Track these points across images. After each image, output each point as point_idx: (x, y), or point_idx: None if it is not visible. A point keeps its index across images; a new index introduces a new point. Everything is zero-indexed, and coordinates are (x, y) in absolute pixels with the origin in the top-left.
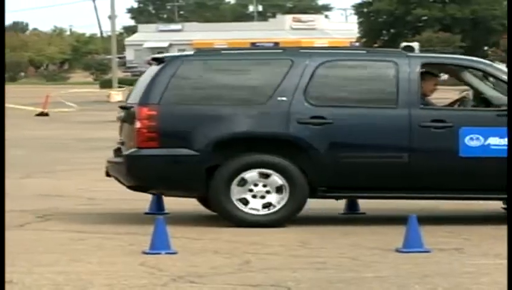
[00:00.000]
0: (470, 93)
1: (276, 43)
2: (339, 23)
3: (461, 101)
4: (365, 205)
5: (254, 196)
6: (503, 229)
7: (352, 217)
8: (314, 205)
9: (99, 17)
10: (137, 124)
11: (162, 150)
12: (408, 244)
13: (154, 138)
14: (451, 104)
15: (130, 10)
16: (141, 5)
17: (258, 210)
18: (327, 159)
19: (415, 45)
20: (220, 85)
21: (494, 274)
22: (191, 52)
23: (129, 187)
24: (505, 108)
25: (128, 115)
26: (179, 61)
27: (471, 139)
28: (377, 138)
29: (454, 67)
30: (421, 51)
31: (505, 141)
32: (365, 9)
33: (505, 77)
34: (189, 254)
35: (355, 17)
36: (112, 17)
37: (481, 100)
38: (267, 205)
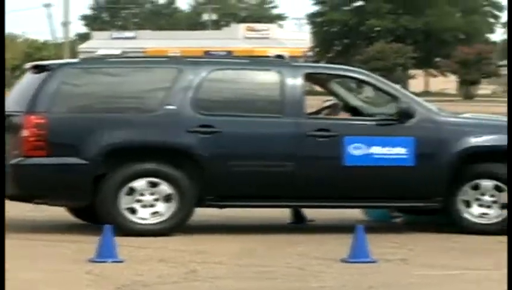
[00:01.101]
0: (338, 103)
1: (230, 52)
2: (292, 33)
3: (332, 108)
4: (313, 214)
5: (142, 205)
6: (449, 241)
7: (299, 226)
8: (260, 214)
9: (53, 24)
10: (25, 133)
11: (50, 158)
12: (354, 254)
13: (42, 147)
14: (320, 110)
15: (84, 17)
16: (95, 12)
17: (146, 219)
18: (215, 168)
19: (285, 54)
20: (108, 93)
21: (440, 285)
22: (77, 60)
23: (11, 197)
24: (384, 118)
25: (9, 124)
26: (66, 68)
27: (355, 148)
28: (264, 147)
29: (337, 77)
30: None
31: (386, 150)
32: (319, 19)
33: (385, 87)
34: (135, 262)
35: (309, 26)
36: (65, 24)
37: (351, 110)
38: (155, 214)
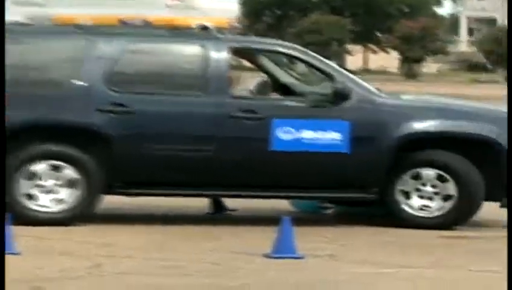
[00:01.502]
0: (267, 81)
1: (147, 21)
2: (218, 2)
3: (259, 87)
4: (235, 204)
5: (43, 191)
6: (385, 236)
7: (218, 217)
8: (177, 203)
9: None
10: None
11: None
12: (279, 249)
13: None
14: (246, 89)
15: None
16: None
17: (47, 207)
18: (126, 151)
19: (210, 25)
20: (11, 66)
21: (372, 284)
22: None
23: None
24: (317, 98)
25: None
26: None
27: (284, 132)
28: (182, 128)
29: (267, 52)
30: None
31: (318, 135)
32: None
33: (319, 64)
34: (34, 254)
35: None
36: None
37: (281, 88)
38: (58, 201)
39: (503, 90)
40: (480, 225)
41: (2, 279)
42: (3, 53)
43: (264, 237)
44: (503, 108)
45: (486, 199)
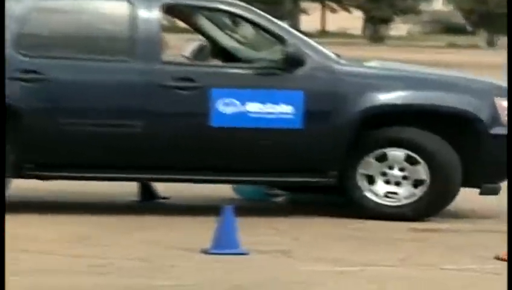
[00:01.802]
0: (206, 44)
1: None
2: None
3: (198, 51)
4: (168, 190)
5: None
6: (345, 228)
7: (149, 205)
8: (101, 188)
9: None
10: None
11: None
12: (219, 244)
13: None
14: (181, 54)
15: None
16: None
17: None
18: (38, 127)
19: None
20: None
21: (330, 285)
22: None
23: None
24: (266, 65)
25: None
26: None
27: (226, 104)
28: (104, 100)
29: (206, 10)
30: None
31: (266, 108)
32: None
33: (268, 25)
34: None
35: None
36: None
37: (222, 53)
38: None
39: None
40: (456, 216)
41: (2, 279)
42: (3, 49)
43: (203, 230)
44: (486, 77)
45: (464, 185)
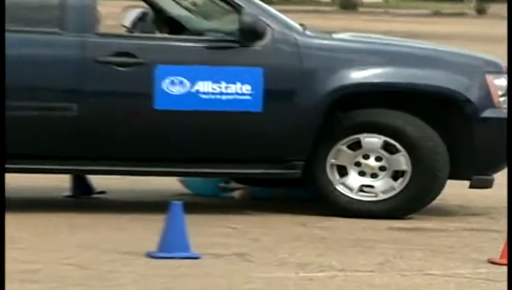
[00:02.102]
0: (150, 13)
1: None
2: None
3: (140, 21)
4: (105, 183)
5: None
6: (314, 228)
7: (84, 201)
8: (31, 182)
9: None
10: None
11: None
12: (166, 246)
13: None
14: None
15: None
16: None
17: None
18: None
19: None
20: None
21: None
22: None
23: None
24: (219, 38)
25: None
26: None
27: (172, 83)
28: (31, 77)
29: None
30: None
31: (219, 87)
32: None
33: None
34: None
35: None
36: None
37: (169, 24)
38: None
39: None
40: (443, 213)
41: (2, 279)
42: (3, 52)
43: (147, 230)
44: (477, 52)
45: (452, 177)
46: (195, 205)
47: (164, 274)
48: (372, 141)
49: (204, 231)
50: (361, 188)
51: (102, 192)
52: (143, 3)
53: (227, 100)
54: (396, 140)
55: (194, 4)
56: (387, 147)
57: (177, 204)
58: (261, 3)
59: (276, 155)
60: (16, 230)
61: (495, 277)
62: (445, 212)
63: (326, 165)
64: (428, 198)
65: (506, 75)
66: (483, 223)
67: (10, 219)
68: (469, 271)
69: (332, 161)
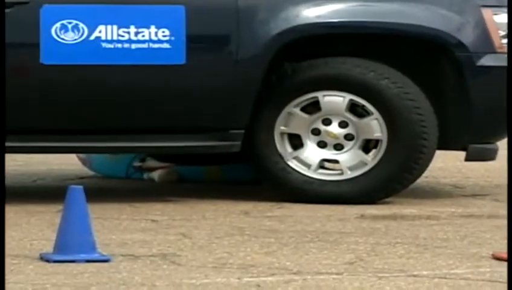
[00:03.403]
0: None
1: None
2: None
3: None
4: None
5: None
6: (257, 217)
7: None
8: None
9: None
10: None
11: None
12: (65, 245)
13: None
14: None
15: None
16: None
17: None
18: None
19: None
20: None
21: None
22: None
23: None
24: None
25: None
26: None
27: (64, 29)
28: None
29: None
30: None
31: (127, 33)
32: None
33: None
34: None
35: None
36: None
37: None
38: None
39: None
40: (429, 196)
41: (2, 279)
42: (4, 49)
43: (40, 225)
44: None
45: (441, 147)
46: (102, 191)
47: (64, 283)
48: (334, 100)
49: (115, 225)
50: (321, 164)
51: None
52: None
53: (139, 50)
54: (366, 99)
55: None
56: (354, 108)
57: (77, 190)
58: None
59: (207, 123)
60: None
61: (501, 277)
62: (433, 195)
63: (273, 135)
64: (411, 175)
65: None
66: (484, 208)
67: None
68: (467, 271)
69: (282, 128)
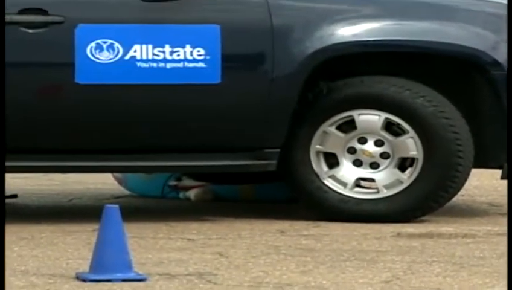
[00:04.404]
0: None
1: None
2: None
3: None
4: (14, 185)
5: None
6: (294, 237)
7: None
8: None
9: None
10: None
11: None
12: (101, 265)
13: None
14: None
15: None
16: None
17: None
18: None
19: None
20: None
21: None
22: None
23: None
24: None
25: None
26: None
27: (99, 48)
28: None
29: None
30: None
31: (162, 53)
32: None
33: None
34: None
35: None
36: None
37: None
38: None
39: None
40: (467, 214)
41: (2, 279)
42: (3, 53)
43: (75, 244)
44: None
45: (477, 166)
46: (138, 210)
47: None
48: (370, 119)
49: (151, 244)
50: (357, 183)
51: (13, 196)
52: None
53: (174, 70)
54: (401, 117)
55: None
56: (390, 127)
57: (113, 209)
58: None
59: (242, 141)
60: None
61: None
62: (470, 213)
63: (309, 153)
64: (447, 194)
65: None
66: None
67: None
68: (504, 289)
69: (318, 147)
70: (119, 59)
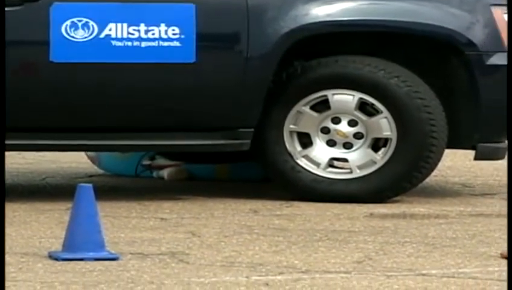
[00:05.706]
0: None
1: None
2: None
3: None
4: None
5: None
6: (267, 216)
7: None
8: None
9: None
10: None
11: None
12: (73, 244)
13: None
14: None
15: None
16: None
17: None
18: None
19: None
20: None
21: None
22: None
23: None
24: None
25: None
26: None
27: (74, 27)
28: None
29: None
30: None
31: (138, 32)
32: None
33: None
34: None
35: None
36: None
37: None
38: None
39: None
40: (439, 194)
41: (2, 279)
42: (4, 49)
43: (48, 223)
44: None
45: (450, 146)
46: (111, 189)
47: (72, 281)
48: (344, 99)
49: (124, 224)
50: (331, 163)
51: None
52: None
53: (149, 48)
54: (375, 98)
55: None
56: (364, 106)
57: (86, 188)
58: None
59: (216, 121)
60: None
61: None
62: (443, 193)
63: (283, 133)
64: (420, 174)
65: None
66: (493, 207)
67: None
68: (476, 270)
69: (292, 126)
70: (94, 37)
